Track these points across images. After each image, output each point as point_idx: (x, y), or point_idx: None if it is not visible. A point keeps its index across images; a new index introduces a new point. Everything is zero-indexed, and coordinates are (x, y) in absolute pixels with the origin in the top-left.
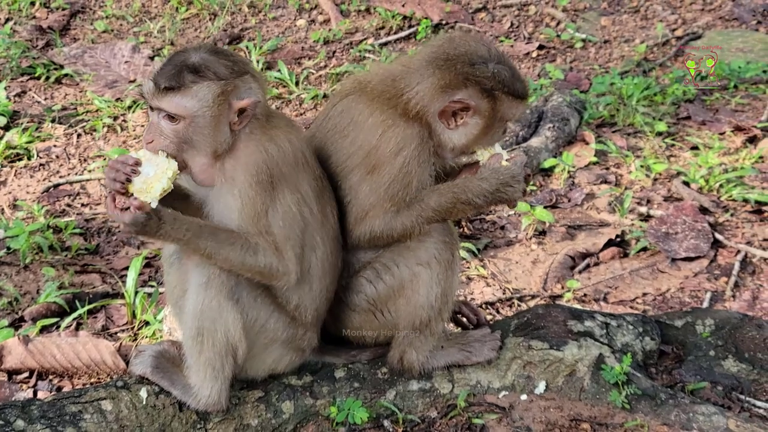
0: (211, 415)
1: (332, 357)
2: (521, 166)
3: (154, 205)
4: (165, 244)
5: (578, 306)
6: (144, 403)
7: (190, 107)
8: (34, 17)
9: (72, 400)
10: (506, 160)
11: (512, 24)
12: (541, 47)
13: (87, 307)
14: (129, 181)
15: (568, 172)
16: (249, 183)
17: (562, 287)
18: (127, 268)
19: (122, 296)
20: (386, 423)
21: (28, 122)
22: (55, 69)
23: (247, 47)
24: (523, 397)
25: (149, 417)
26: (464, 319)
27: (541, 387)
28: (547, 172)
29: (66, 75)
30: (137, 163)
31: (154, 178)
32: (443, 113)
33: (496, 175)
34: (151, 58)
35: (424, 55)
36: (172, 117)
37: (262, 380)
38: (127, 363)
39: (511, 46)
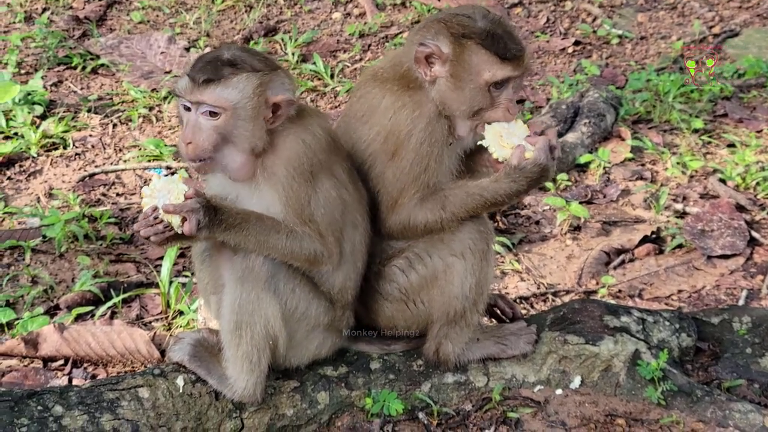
0: (246, 405)
1: (367, 347)
2: (546, 150)
3: (178, 223)
4: (214, 238)
5: (613, 302)
6: (180, 391)
7: (231, 98)
8: (71, 7)
9: (109, 387)
10: (529, 148)
11: (548, 19)
12: (577, 43)
13: (122, 296)
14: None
15: (604, 168)
16: (291, 176)
17: (597, 283)
18: (161, 258)
19: (157, 286)
20: (421, 415)
21: (64, 111)
22: (92, 59)
23: (282, 39)
24: (558, 391)
25: (185, 405)
26: (500, 313)
27: (576, 382)
28: (583, 168)
29: (102, 65)
30: (155, 212)
31: (172, 195)
32: (417, 60)
33: (525, 173)
34: (187, 50)
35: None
36: (212, 113)
37: (297, 370)
38: (162, 352)
39: (547, 41)
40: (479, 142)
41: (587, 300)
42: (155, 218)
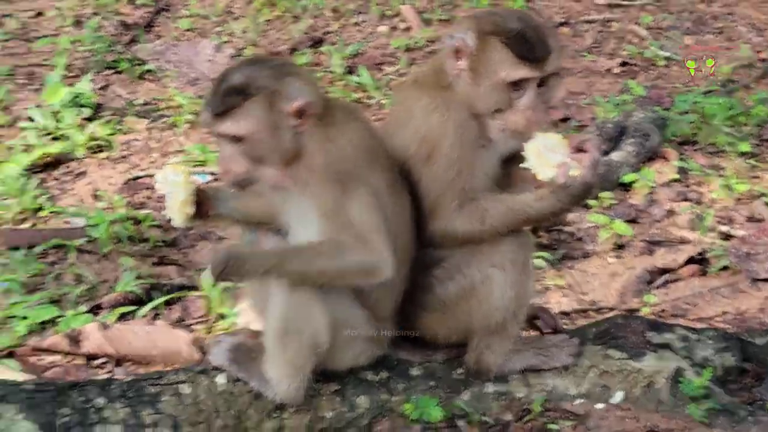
0: (287, 406)
1: (408, 355)
2: (593, 168)
3: (177, 222)
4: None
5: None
6: (221, 389)
7: (245, 127)
8: (120, 13)
9: (151, 381)
10: (574, 164)
11: (595, 40)
12: (623, 63)
13: (164, 298)
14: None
15: (649, 187)
16: (320, 184)
17: (640, 302)
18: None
19: (199, 289)
20: (460, 423)
21: (111, 115)
22: (139, 64)
23: (328, 51)
24: (599, 405)
25: (226, 403)
26: (542, 325)
27: (617, 397)
28: (627, 187)
29: (149, 71)
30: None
31: (176, 196)
32: (447, 55)
33: (571, 192)
34: (233, 57)
35: None
36: (236, 139)
37: (337, 374)
38: (204, 353)
39: (594, 61)
40: (521, 165)
41: (631, 316)
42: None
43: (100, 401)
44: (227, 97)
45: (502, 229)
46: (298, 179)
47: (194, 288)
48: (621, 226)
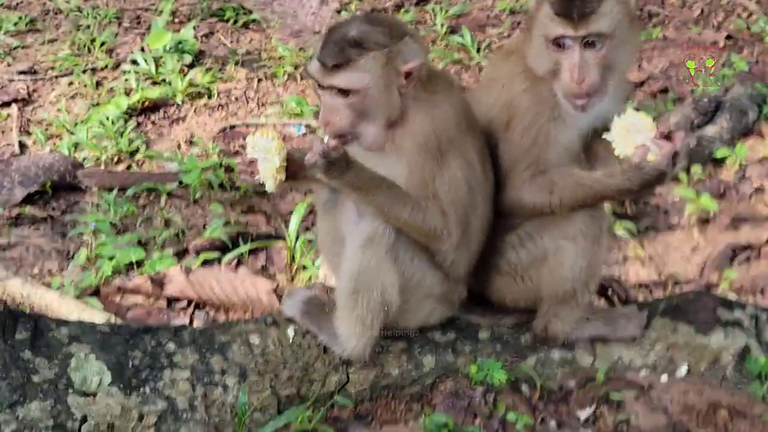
0: (353, 361)
1: (477, 317)
2: (670, 157)
3: (270, 188)
4: (342, 189)
5: (733, 296)
6: (290, 341)
7: (361, 80)
8: None
9: (222, 330)
10: (654, 150)
11: (702, 11)
12: (728, 37)
13: (249, 246)
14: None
15: (740, 164)
16: (417, 152)
17: (719, 277)
18: (291, 213)
19: (284, 239)
20: (524, 387)
21: (212, 63)
22: (244, 14)
23: (433, 10)
24: (664, 378)
25: (294, 354)
26: (613, 296)
27: (682, 370)
28: (719, 162)
29: (253, 20)
30: (253, 165)
31: (269, 161)
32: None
33: (642, 174)
34: (339, 12)
35: None
36: (344, 92)
37: (408, 330)
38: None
39: (699, 33)
40: (604, 136)
41: (702, 292)
42: (251, 170)
43: (171, 346)
44: (344, 50)
45: (570, 203)
46: (396, 142)
47: (280, 238)
48: (707, 201)
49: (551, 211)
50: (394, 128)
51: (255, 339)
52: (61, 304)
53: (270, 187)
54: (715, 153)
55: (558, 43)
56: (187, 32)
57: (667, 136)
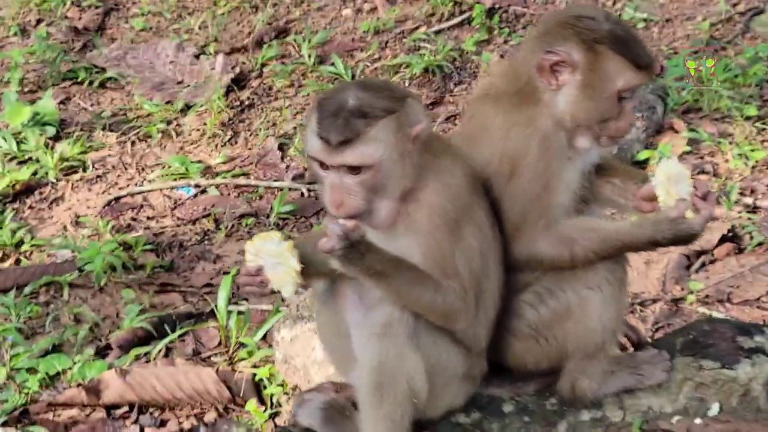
0: None
1: (498, 389)
2: (706, 220)
3: (289, 293)
4: (359, 276)
5: (704, 309)
6: None
7: (374, 153)
8: (66, 17)
9: None
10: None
11: (567, 4)
12: None
13: (178, 332)
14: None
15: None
16: (434, 226)
17: (682, 289)
18: (207, 285)
19: (209, 316)
20: None
21: (77, 131)
22: (98, 72)
23: (295, 41)
24: (698, 420)
25: None
26: (624, 339)
27: (714, 409)
28: (642, 165)
29: (110, 78)
30: (260, 274)
31: (282, 266)
32: (540, 69)
33: (676, 231)
34: (197, 56)
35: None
36: (356, 169)
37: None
38: (231, 391)
39: None
40: (652, 182)
41: (716, 320)
42: (259, 279)
43: None
44: (349, 122)
45: (593, 257)
46: (409, 217)
47: (202, 315)
48: None
49: (571, 267)
50: (406, 201)
51: None
52: None
53: (288, 293)
54: (637, 156)
55: (629, 92)
56: (46, 102)
57: (704, 197)
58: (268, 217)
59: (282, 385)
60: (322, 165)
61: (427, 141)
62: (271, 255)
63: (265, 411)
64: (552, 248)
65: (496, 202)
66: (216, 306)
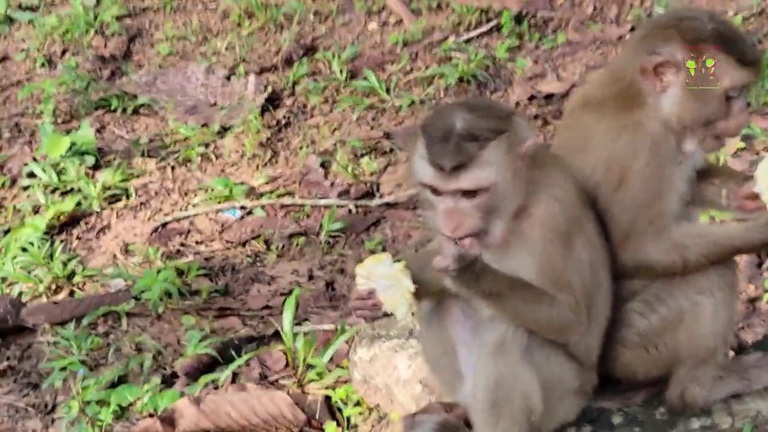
0: None
1: (606, 401)
2: None
3: (403, 315)
4: (473, 297)
5: None
6: None
7: (489, 176)
8: (91, 46)
9: None
10: None
11: (595, 7)
12: (633, 29)
13: (246, 357)
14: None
15: (720, 161)
16: (547, 240)
17: (756, 288)
18: (266, 308)
19: (269, 339)
20: None
21: (116, 159)
22: (130, 99)
23: (324, 57)
24: None
25: None
26: None
27: None
28: None
29: (142, 105)
30: (371, 298)
31: (395, 288)
32: (644, 71)
33: None
34: (228, 78)
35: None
36: (471, 193)
37: None
38: (306, 412)
39: (601, 30)
40: (755, 188)
41: None
42: (371, 303)
43: None
44: (460, 147)
45: (705, 261)
46: (522, 234)
47: (264, 338)
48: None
49: (683, 273)
50: (518, 218)
51: None
52: None
53: (402, 314)
54: None
55: (737, 91)
56: (84, 131)
57: None
58: (317, 235)
59: (359, 404)
60: (435, 191)
61: (534, 155)
62: (383, 277)
63: None
64: (664, 255)
65: (602, 211)
66: (282, 328)
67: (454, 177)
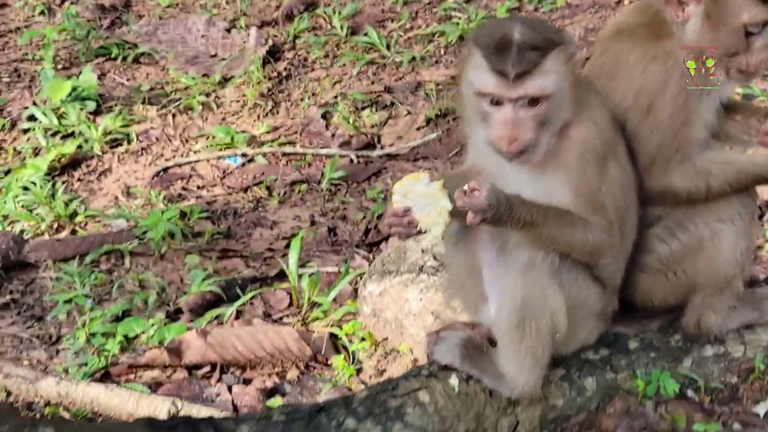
0: (521, 400)
1: (623, 327)
2: None
3: (439, 233)
4: (507, 228)
5: None
6: (456, 391)
7: (552, 84)
8: None
9: (389, 393)
10: None
11: None
12: None
13: (250, 294)
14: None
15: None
16: (585, 160)
17: (756, 238)
18: (269, 250)
19: (272, 280)
20: (690, 393)
21: (117, 105)
22: (130, 48)
23: (325, 12)
24: None
25: (464, 405)
26: None
27: None
28: None
29: (143, 53)
30: (407, 215)
31: (432, 206)
32: (668, 1)
33: None
34: (228, 30)
35: None
36: (534, 102)
37: (562, 357)
38: (311, 348)
39: None
40: None
41: None
42: (406, 220)
43: (351, 422)
44: (523, 55)
45: (729, 189)
46: (556, 155)
47: (267, 279)
48: None
49: (706, 199)
50: (560, 137)
51: (425, 396)
52: (111, 397)
53: (438, 232)
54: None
55: (756, 27)
56: (86, 76)
57: None
58: (319, 183)
59: (365, 340)
60: (494, 101)
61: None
62: (421, 196)
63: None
64: (689, 181)
65: (630, 137)
66: (287, 267)
67: (519, 84)
